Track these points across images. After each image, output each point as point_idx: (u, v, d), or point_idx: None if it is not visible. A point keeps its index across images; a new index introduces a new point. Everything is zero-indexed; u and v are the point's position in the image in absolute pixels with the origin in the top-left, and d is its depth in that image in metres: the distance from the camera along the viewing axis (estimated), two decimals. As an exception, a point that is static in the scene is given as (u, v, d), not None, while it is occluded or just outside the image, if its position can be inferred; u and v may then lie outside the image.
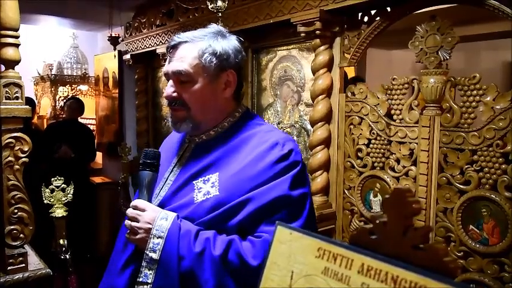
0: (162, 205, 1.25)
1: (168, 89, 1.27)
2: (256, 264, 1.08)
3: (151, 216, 1.17)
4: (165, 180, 1.32)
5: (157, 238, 1.14)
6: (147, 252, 1.14)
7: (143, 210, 1.19)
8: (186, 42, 1.25)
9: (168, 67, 1.26)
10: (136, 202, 1.22)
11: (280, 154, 1.18)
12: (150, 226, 1.16)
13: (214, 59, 1.23)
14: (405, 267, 0.49)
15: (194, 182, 1.23)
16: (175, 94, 1.26)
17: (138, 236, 1.17)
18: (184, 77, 1.23)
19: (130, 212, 1.21)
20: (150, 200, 1.25)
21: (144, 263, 1.14)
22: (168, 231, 1.14)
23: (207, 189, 1.20)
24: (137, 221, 1.18)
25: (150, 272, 1.13)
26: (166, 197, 1.27)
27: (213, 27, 1.30)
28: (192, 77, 1.23)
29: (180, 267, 1.11)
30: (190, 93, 1.24)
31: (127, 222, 1.21)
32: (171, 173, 1.33)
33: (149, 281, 1.13)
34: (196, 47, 1.23)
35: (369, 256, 0.53)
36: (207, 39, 1.24)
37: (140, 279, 1.14)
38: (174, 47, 1.26)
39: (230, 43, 1.27)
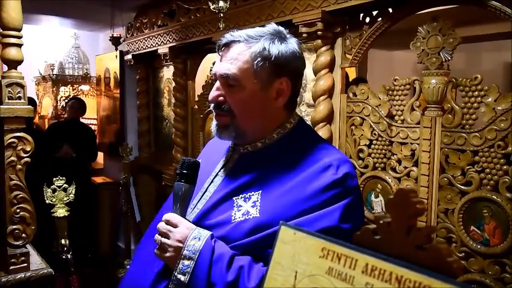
0: (198, 219, 1.15)
1: (213, 92, 1.16)
2: None
3: (184, 234, 1.07)
4: (205, 190, 1.21)
5: (188, 260, 1.04)
6: (176, 274, 1.04)
7: (175, 226, 1.09)
8: (239, 41, 1.13)
9: (217, 68, 1.15)
10: (168, 216, 1.12)
11: (333, 178, 1.05)
12: (180, 245, 1.06)
13: (267, 64, 1.11)
14: (409, 267, 0.50)
15: (234, 198, 1.12)
16: (221, 98, 1.15)
17: (167, 254, 1.07)
18: (232, 81, 1.12)
19: (161, 226, 1.11)
20: (183, 215, 1.14)
21: (171, 285, 1.05)
22: (199, 254, 1.03)
23: (247, 208, 1.09)
24: (168, 237, 1.08)
25: None
26: (204, 210, 1.16)
27: (272, 26, 1.17)
28: (241, 82, 1.12)
29: None
30: (236, 99, 1.13)
31: (157, 236, 1.11)
32: (211, 183, 1.21)
33: None
34: (249, 49, 1.11)
35: (373, 256, 0.53)
36: (263, 40, 1.12)
37: None
38: (227, 46, 1.15)
39: (288, 47, 1.14)
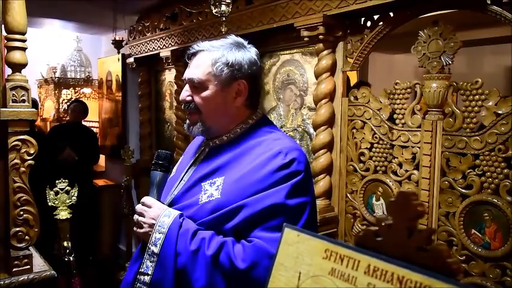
0: (173, 203, 1.35)
1: (183, 93, 1.37)
2: (243, 267, 1.12)
3: (156, 213, 1.27)
4: (180, 179, 1.41)
5: (159, 233, 1.23)
6: (149, 246, 1.23)
7: (150, 207, 1.30)
8: (203, 50, 1.34)
9: (186, 73, 1.36)
10: (144, 199, 1.33)
11: (282, 163, 1.21)
12: (153, 222, 1.25)
13: (225, 68, 1.30)
14: (411, 268, 0.51)
15: (202, 183, 1.31)
16: (189, 98, 1.35)
17: (142, 230, 1.27)
18: (197, 83, 1.32)
19: (138, 207, 1.32)
20: (159, 198, 1.34)
21: (146, 255, 1.24)
22: (168, 228, 1.22)
23: (211, 191, 1.27)
24: (143, 216, 1.29)
25: (151, 264, 1.23)
26: (178, 195, 1.36)
27: (232, 38, 1.38)
28: (204, 84, 1.32)
29: (177, 263, 1.18)
30: (201, 98, 1.33)
31: (135, 216, 1.32)
32: (186, 173, 1.41)
33: (149, 272, 1.22)
34: (211, 56, 1.32)
35: (375, 257, 0.55)
36: (222, 49, 1.32)
37: (142, 270, 1.24)
38: (194, 54, 1.36)
39: (245, 55, 1.34)
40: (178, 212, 1.26)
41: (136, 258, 1.33)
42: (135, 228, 1.31)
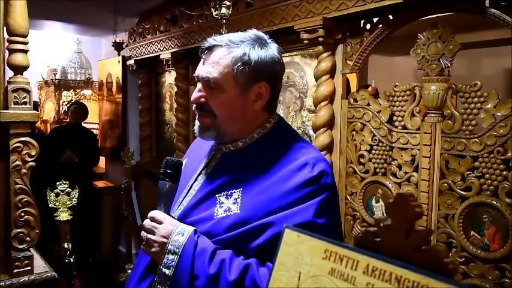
0: (183, 216, 1.21)
1: (196, 93, 1.21)
2: None
3: (168, 230, 1.12)
4: (189, 188, 1.26)
5: (172, 254, 1.09)
6: (161, 268, 1.10)
7: (160, 223, 1.14)
8: (221, 46, 1.17)
9: (199, 71, 1.20)
10: (153, 213, 1.17)
11: (309, 176, 1.09)
12: (165, 240, 1.11)
13: (247, 69, 1.15)
14: (408, 268, 0.52)
15: (217, 195, 1.17)
16: (202, 100, 1.20)
17: (153, 250, 1.13)
18: (213, 84, 1.16)
19: (147, 223, 1.17)
20: (168, 212, 1.19)
21: (157, 278, 1.11)
22: (183, 248, 1.08)
23: (228, 205, 1.14)
24: (153, 233, 1.14)
25: (163, 287, 1.10)
26: (188, 207, 1.22)
27: (253, 32, 1.21)
28: (221, 85, 1.16)
29: (194, 287, 1.06)
30: (217, 101, 1.18)
31: (143, 233, 1.17)
32: (195, 181, 1.27)
33: None
34: (230, 53, 1.15)
35: (373, 257, 0.56)
36: (244, 46, 1.16)
37: None
38: (209, 49, 1.19)
39: (268, 52, 1.18)
40: (193, 229, 1.12)
41: (143, 274, 1.20)
42: (143, 247, 1.16)
